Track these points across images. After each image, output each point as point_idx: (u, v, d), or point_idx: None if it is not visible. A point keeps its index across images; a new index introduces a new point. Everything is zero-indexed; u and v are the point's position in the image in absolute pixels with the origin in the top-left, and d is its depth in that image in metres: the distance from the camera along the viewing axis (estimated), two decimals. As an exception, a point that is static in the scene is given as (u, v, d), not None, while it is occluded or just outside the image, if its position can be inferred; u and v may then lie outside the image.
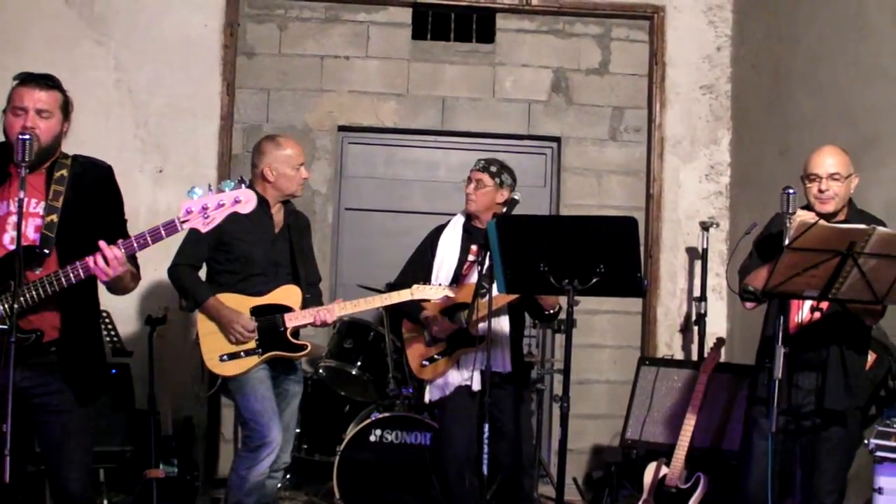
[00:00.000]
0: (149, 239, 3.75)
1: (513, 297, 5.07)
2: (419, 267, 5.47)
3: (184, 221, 3.72)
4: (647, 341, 7.44)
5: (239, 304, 4.95)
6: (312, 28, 7.46)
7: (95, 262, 3.71)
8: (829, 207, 4.38)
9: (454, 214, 7.50)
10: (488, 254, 4.67)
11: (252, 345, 4.92)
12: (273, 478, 5.12)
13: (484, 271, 4.80)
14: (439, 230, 5.53)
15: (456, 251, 5.40)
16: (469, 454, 5.25)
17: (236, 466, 4.98)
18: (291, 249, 5.12)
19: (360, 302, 5.07)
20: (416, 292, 5.11)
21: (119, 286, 3.95)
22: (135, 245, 3.76)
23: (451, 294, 5.14)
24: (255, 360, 4.92)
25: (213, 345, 4.93)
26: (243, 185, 3.80)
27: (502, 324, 5.22)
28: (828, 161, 4.41)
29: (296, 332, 4.99)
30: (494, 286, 4.77)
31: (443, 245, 5.45)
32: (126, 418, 6.16)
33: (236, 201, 3.75)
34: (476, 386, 5.22)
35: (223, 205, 3.74)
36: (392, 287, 5.37)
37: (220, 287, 5.01)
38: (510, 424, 5.24)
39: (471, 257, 5.36)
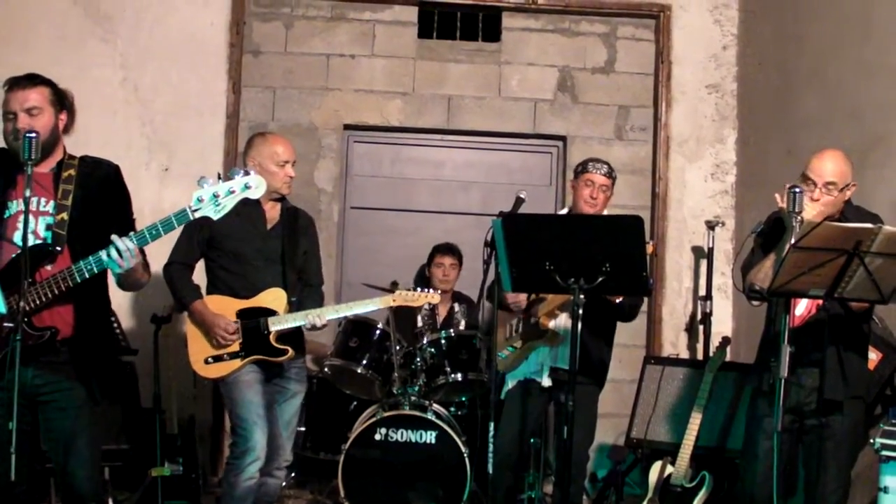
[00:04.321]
0: (161, 229, 3.78)
1: None
2: None
3: (195, 210, 3.75)
4: (653, 340, 7.44)
5: (225, 306, 4.97)
6: (318, 26, 7.46)
7: (108, 255, 3.73)
8: (816, 217, 4.19)
9: (460, 213, 7.54)
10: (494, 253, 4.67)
11: (236, 347, 4.93)
12: (275, 476, 5.14)
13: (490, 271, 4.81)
14: None
15: None
16: (512, 453, 5.26)
17: (225, 474, 5.02)
18: (283, 248, 5.12)
19: (342, 307, 5.14)
20: (398, 299, 5.19)
21: (132, 279, 3.96)
22: (147, 236, 3.79)
23: (433, 300, 5.25)
24: (237, 363, 4.94)
25: (198, 347, 4.98)
26: (252, 172, 3.82)
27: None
28: (827, 168, 4.32)
29: (284, 335, 4.99)
30: None
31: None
32: (131, 417, 6.17)
33: (247, 187, 3.77)
34: (546, 382, 5.24)
35: (233, 192, 3.76)
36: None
37: (214, 283, 5.05)
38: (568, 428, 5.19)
39: None
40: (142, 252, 3.88)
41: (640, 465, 6.12)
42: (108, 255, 3.74)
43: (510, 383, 5.35)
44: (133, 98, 7.16)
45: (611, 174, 5.38)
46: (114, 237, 3.75)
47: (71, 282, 3.78)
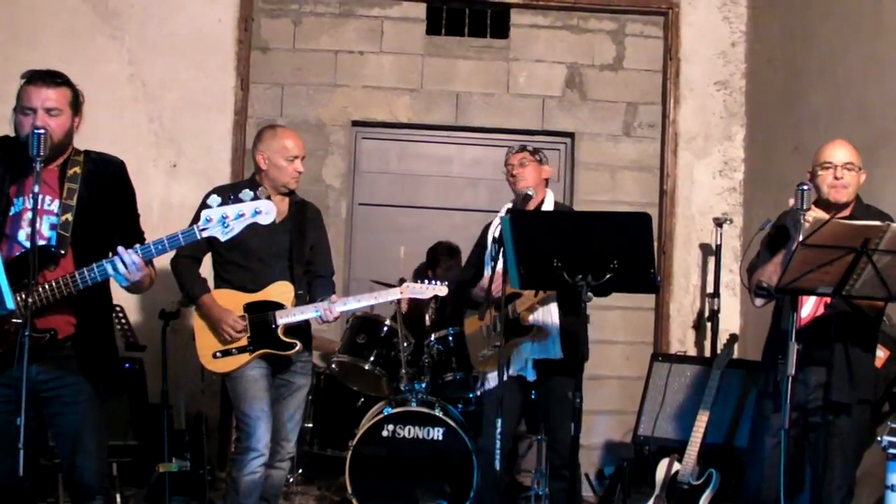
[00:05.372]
0: (167, 245, 3.83)
1: None
2: (472, 264, 5.49)
3: (203, 230, 3.78)
4: (660, 337, 7.43)
5: (233, 300, 4.97)
6: (326, 23, 7.46)
7: (115, 269, 3.76)
8: (842, 196, 4.39)
9: (467, 210, 7.52)
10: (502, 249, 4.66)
11: (244, 342, 4.93)
12: (279, 468, 5.15)
13: (498, 266, 4.79)
14: (490, 223, 5.49)
15: None
16: (504, 447, 5.22)
17: (230, 469, 5.03)
18: (291, 243, 5.11)
19: (351, 300, 5.11)
20: (406, 291, 5.17)
21: (137, 288, 3.99)
22: (153, 251, 3.82)
23: (440, 293, 5.20)
24: (246, 357, 4.94)
25: (206, 341, 4.97)
26: (262, 197, 3.85)
27: (552, 311, 5.15)
28: (841, 151, 4.43)
29: (292, 328, 4.99)
30: None
31: (491, 236, 5.42)
32: (139, 412, 6.18)
33: (256, 212, 3.80)
34: (531, 377, 5.19)
35: (243, 215, 3.80)
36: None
37: (221, 277, 5.06)
38: (554, 420, 5.19)
39: None
40: (149, 262, 3.90)
41: (648, 463, 6.11)
42: (115, 269, 3.77)
43: (491, 382, 5.29)
44: (141, 94, 7.17)
45: (524, 147, 5.36)
46: (120, 250, 3.77)
47: (73, 288, 3.79)
